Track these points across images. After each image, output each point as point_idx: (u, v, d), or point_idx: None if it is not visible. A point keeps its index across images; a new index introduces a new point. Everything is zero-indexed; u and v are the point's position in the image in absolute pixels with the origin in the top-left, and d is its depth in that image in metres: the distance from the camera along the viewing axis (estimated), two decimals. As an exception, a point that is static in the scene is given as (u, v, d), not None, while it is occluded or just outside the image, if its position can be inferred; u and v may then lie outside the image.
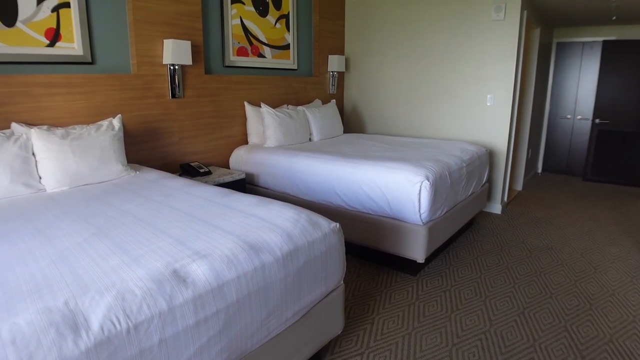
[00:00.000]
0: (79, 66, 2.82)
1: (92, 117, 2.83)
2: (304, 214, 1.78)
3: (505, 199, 4.40)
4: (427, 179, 2.64)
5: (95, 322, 1.07)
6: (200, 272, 1.31)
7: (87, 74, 2.79)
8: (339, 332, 1.99)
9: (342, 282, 1.93)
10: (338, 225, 1.84)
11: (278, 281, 1.50)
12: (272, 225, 1.64)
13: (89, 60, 2.85)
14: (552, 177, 6.18)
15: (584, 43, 5.71)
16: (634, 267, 3.10)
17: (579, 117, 5.95)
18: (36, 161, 2.37)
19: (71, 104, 2.73)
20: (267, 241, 1.53)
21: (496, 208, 4.30)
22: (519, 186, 5.21)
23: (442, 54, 4.29)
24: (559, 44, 5.88)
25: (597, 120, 5.54)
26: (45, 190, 2.35)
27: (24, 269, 1.31)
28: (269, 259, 1.48)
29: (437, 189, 2.71)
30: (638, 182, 5.47)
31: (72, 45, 2.78)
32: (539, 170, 6.41)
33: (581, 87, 5.86)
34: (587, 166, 5.74)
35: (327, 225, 1.78)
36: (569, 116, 6.02)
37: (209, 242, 1.48)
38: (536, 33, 4.73)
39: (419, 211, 2.64)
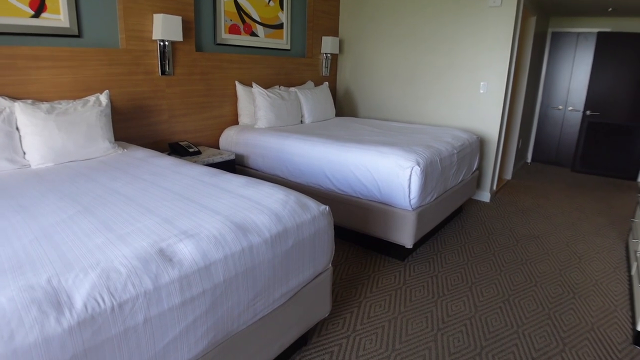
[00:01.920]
0: (65, 39, 2.73)
1: (78, 92, 2.76)
2: (293, 196, 1.76)
3: (495, 187, 4.43)
4: (418, 164, 2.63)
5: (78, 300, 1.05)
6: (187, 251, 1.29)
7: (74, 47, 2.71)
8: (326, 315, 2.00)
9: (330, 265, 1.93)
10: (327, 208, 1.82)
11: (266, 262, 1.49)
12: (261, 207, 1.62)
13: (76, 33, 2.76)
14: (542, 167, 6.23)
15: (578, 34, 5.69)
16: (617, 258, 3.15)
17: (570, 108, 5.98)
18: (20, 136, 2.31)
19: (57, 78, 2.66)
20: (255, 222, 1.52)
21: (485, 196, 4.33)
22: (508, 175, 5.24)
23: (437, 40, 4.25)
24: (554, 34, 5.86)
25: (588, 112, 5.56)
26: (30, 166, 2.30)
27: (6, 246, 1.28)
28: (256, 240, 1.46)
29: (428, 174, 2.71)
30: (626, 174, 5.54)
31: (58, 16, 2.68)
32: (529, 160, 6.45)
33: (574, 78, 5.87)
34: (576, 157, 5.79)
35: (316, 208, 1.76)
36: (560, 107, 6.04)
37: (197, 221, 1.46)
38: (532, 21, 4.71)
39: (409, 196, 2.64)
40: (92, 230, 1.40)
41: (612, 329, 2.27)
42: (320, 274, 1.86)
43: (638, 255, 2.53)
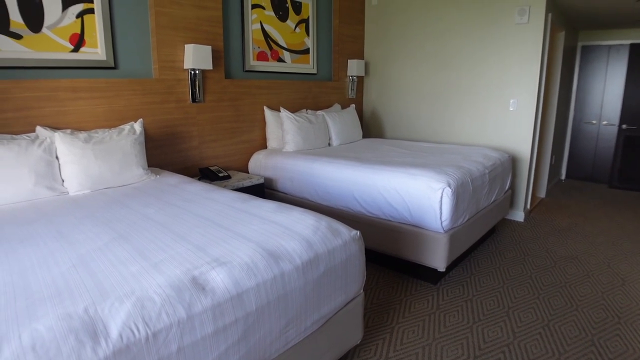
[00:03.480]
0: (102, 71, 2.86)
1: (113, 121, 2.86)
2: (324, 221, 1.75)
3: (528, 206, 4.29)
4: (449, 185, 2.58)
5: (114, 330, 1.07)
6: (219, 279, 1.29)
7: (110, 79, 2.83)
8: (358, 342, 1.95)
9: (362, 290, 1.89)
10: (359, 233, 1.80)
11: (298, 290, 1.48)
12: (292, 233, 1.62)
13: (112, 65, 2.89)
14: (577, 184, 6.02)
15: (610, 46, 5.55)
16: (665, 280, 2.97)
17: (604, 122, 5.78)
18: (59, 164, 2.40)
19: (94, 108, 2.77)
20: (286, 249, 1.51)
21: (519, 216, 4.20)
22: (542, 193, 5.08)
23: (463, 58, 4.22)
24: (583, 47, 5.73)
25: (624, 126, 5.37)
26: (68, 193, 2.38)
27: (45, 273, 1.32)
28: (288, 267, 1.46)
29: (459, 196, 2.65)
30: (668, 190, 5.29)
31: (96, 50, 2.82)
32: (563, 177, 6.25)
33: (607, 92, 5.69)
34: (614, 173, 5.57)
35: (347, 233, 1.75)
36: (594, 121, 5.85)
37: (229, 249, 1.47)
38: (560, 36, 4.62)
39: (440, 219, 2.59)
40: (126, 258, 1.42)
41: (664, 357, 2.13)
42: (352, 300, 1.82)
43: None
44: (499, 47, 3.97)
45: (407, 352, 2.15)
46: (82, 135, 2.49)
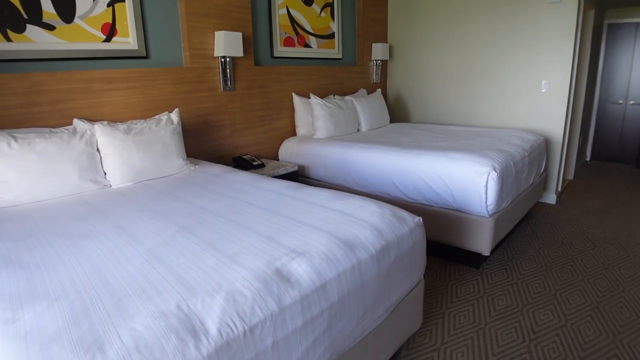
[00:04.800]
0: (134, 60, 2.81)
1: (147, 112, 2.83)
2: (387, 208, 1.72)
3: (559, 188, 4.24)
4: (494, 169, 2.54)
5: (212, 326, 1.04)
6: (301, 270, 1.27)
7: (142, 68, 2.78)
8: (418, 328, 1.94)
9: (422, 277, 1.87)
10: (421, 219, 1.77)
11: (373, 279, 1.45)
12: (360, 221, 1.59)
13: (144, 54, 2.84)
14: (603, 165, 5.94)
15: (637, 24, 5.41)
16: None
17: (631, 102, 5.67)
18: (101, 157, 2.38)
19: (128, 99, 2.73)
20: (359, 237, 1.48)
21: (551, 198, 4.15)
22: (570, 175, 5.02)
23: (492, 40, 4.13)
24: (610, 26, 5.60)
25: (652, 105, 5.27)
26: (111, 186, 2.36)
27: (120, 269, 1.30)
28: (364, 256, 1.43)
29: (504, 179, 2.61)
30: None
31: (128, 39, 2.76)
32: (588, 158, 6.17)
33: (634, 70, 5.57)
34: (642, 153, 5.49)
35: (411, 220, 1.72)
36: (620, 101, 5.74)
37: (301, 238, 1.44)
38: (590, 15, 4.51)
39: (486, 203, 2.55)
40: (199, 251, 1.40)
41: None
42: (415, 286, 1.80)
43: None
44: (530, 27, 3.88)
45: (462, 336, 2.13)
46: (122, 126, 2.46)
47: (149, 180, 2.46)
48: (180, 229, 1.62)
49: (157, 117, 2.68)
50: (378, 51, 4.53)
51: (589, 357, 1.98)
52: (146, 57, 2.85)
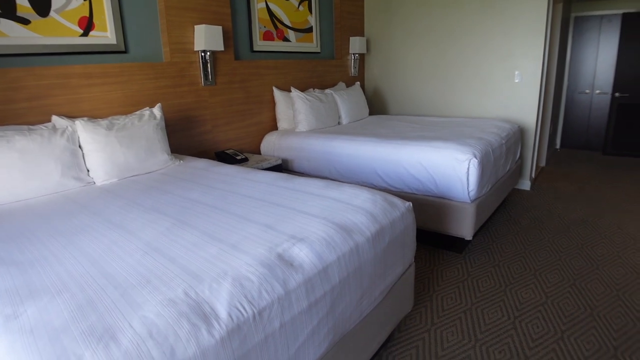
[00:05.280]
0: (113, 55, 2.76)
1: (128, 107, 2.78)
2: (379, 195, 1.76)
3: (533, 175, 4.40)
4: (475, 156, 2.63)
5: (222, 311, 1.06)
6: (303, 255, 1.30)
7: (122, 63, 2.74)
8: (410, 310, 2.00)
9: (413, 260, 1.93)
10: (411, 204, 1.83)
11: (369, 261, 1.50)
12: (354, 207, 1.63)
13: (123, 49, 2.79)
14: (572, 152, 6.19)
15: (602, 16, 5.65)
16: (673, 237, 3.12)
17: (597, 91, 5.93)
18: (83, 154, 2.33)
19: (108, 95, 2.69)
20: (355, 222, 1.52)
21: (526, 184, 4.31)
22: (542, 162, 5.22)
23: (466, 31, 4.24)
24: (576, 18, 5.82)
25: (616, 94, 5.52)
26: (95, 183, 2.33)
27: (120, 262, 1.30)
28: (361, 239, 1.47)
29: (484, 166, 2.71)
30: (660, 153, 5.49)
31: (106, 34, 2.71)
32: (558, 146, 6.41)
33: (600, 61, 5.82)
34: (608, 140, 5.74)
35: (402, 205, 1.77)
36: (587, 91, 5.99)
37: (299, 225, 1.47)
38: (559, 8, 4.68)
39: (468, 189, 2.64)
40: (198, 242, 1.41)
41: (688, 307, 2.26)
42: (407, 269, 1.86)
43: None
44: (503, 19, 4.00)
45: (450, 317, 2.21)
46: (104, 122, 2.42)
47: (133, 176, 2.43)
48: (175, 221, 1.62)
49: (139, 112, 2.65)
50: (355, 45, 4.58)
51: (569, 329, 2.09)
52: (125, 52, 2.81)
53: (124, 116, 2.55)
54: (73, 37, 2.58)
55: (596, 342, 1.99)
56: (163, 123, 2.65)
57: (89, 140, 2.33)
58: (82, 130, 2.33)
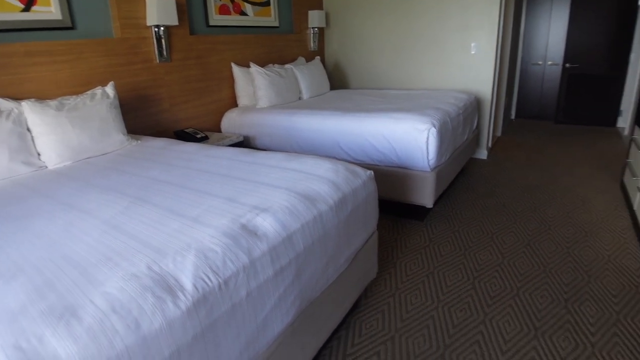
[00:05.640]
0: (59, 32, 2.61)
1: (78, 87, 2.66)
2: (340, 164, 1.79)
3: (490, 144, 4.56)
4: (434, 125, 2.69)
5: (187, 282, 1.06)
6: (267, 224, 1.31)
7: (69, 40, 2.60)
8: (374, 276, 2.06)
9: (376, 228, 1.98)
10: (372, 172, 1.86)
11: (333, 229, 1.52)
12: (316, 177, 1.65)
13: (69, 24, 2.64)
14: (526, 122, 6.43)
15: (554, -13, 5.83)
16: (615, 197, 3.34)
17: (549, 62, 6.15)
18: (32, 137, 2.22)
19: (55, 74, 2.55)
20: (318, 191, 1.54)
21: (482, 154, 4.46)
22: (499, 132, 5.40)
23: (424, 4, 4.26)
24: (529, -10, 5.97)
25: (567, 65, 5.75)
26: (47, 167, 2.23)
27: (77, 242, 1.26)
28: (324, 207, 1.49)
29: (442, 135, 2.78)
30: (607, 121, 5.79)
31: (49, 8, 2.56)
32: (513, 117, 6.64)
33: (552, 34, 6.02)
34: (559, 109, 6.00)
35: (363, 173, 1.80)
36: (540, 62, 6.20)
37: (262, 197, 1.47)
38: (511, -22, 4.77)
39: (427, 157, 2.71)
40: (159, 217, 1.39)
41: (627, 258, 2.43)
42: (370, 237, 1.91)
43: (644, 190, 2.69)
44: (458, -9, 4.05)
45: (414, 281, 2.30)
46: (53, 102, 2.31)
47: (89, 158, 2.34)
48: (134, 199, 1.58)
49: (90, 91, 2.53)
50: (314, 19, 4.52)
51: (524, 286, 2.21)
52: (72, 28, 2.66)
53: (74, 96, 2.43)
54: (13, 13, 2.41)
55: (549, 296, 2.13)
56: (117, 102, 2.55)
57: (38, 122, 2.22)
58: (30, 111, 2.22)
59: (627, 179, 3.25)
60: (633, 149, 3.16)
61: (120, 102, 2.89)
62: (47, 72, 2.51)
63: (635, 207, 2.85)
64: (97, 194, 1.70)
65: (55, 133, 2.24)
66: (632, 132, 3.38)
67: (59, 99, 2.36)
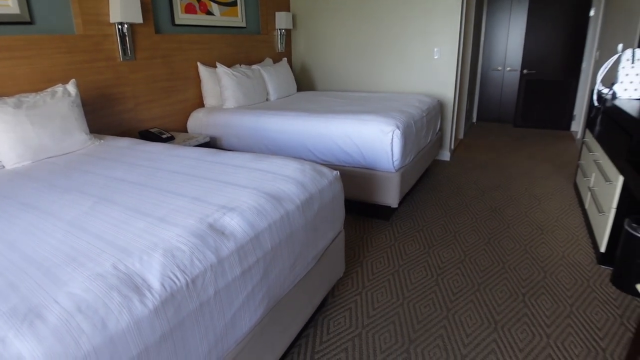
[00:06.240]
0: (17, 27, 2.52)
1: (38, 84, 2.57)
2: (307, 165, 1.81)
3: (453, 146, 4.71)
4: (398, 127, 2.76)
5: (154, 281, 1.06)
6: (234, 223, 1.32)
7: (28, 35, 2.51)
8: (342, 275, 2.10)
9: (342, 227, 2.02)
10: (338, 173, 1.90)
11: (300, 228, 1.55)
12: (283, 177, 1.67)
13: (27, 19, 2.55)
14: (486, 125, 6.67)
15: (512, -2, 6.09)
16: (569, 196, 3.52)
17: (508, 68, 6.41)
18: (-12, 135, 2.14)
19: (13, 70, 2.46)
20: (285, 191, 1.56)
21: (446, 155, 4.60)
22: (461, 135, 5.58)
23: (389, 9, 4.36)
24: (489, -1, 6.21)
25: (525, 71, 6.01)
26: (4, 167, 2.15)
27: (39, 243, 1.23)
28: (291, 207, 1.52)
29: (406, 137, 2.86)
30: (562, 125, 6.09)
31: (6, 2, 2.46)
32: (474, 120, 6.87)
33: (510, 40, 6.28)
34: (517, 113, 6.27)
35: (330, 174, 1.84)
36: (499, 68, 6.46)
37: (229, 196, 1.48)
38: (472, -13, 4.95)
39: (392, 159, 2.78)
40: (124, 217, 1.37)
41: (580, 254, 2.58)
42: (337, 236, 1.95)
43: (592, 188, 2.86)
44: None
45: (380, 280, 2.35)
46: (11, 100, 2.22)
47: (49, 158, 2.27)
48: (98, 199, 1.56)
49: (50, 89, 2.46)
50: (282, 20, 4.54)
51: (485, 282, 2.31)
52: (31, 23, 2.57)
53: (34, 94, 2.35)
54: (-34, 6, 2.32)
55: (507, 291, 2.23)
56: (79, 100, 2.49)
57: (-6, 120, 2.14)
58: (-15, 109, 2.13)
59: (579, 179, 3.45)
60: (584, 151, 3.35)
61: (83, 101, 2.82)
62: (3, 68, 2.42)
63: (586, 205, 3.02)
64: (59, 194, 1.66)
65: (14, 132, 2.16)
66: (583, 135, 3.58)
67: (17, 96, 2.28)
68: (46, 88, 2.59)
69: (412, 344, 1.87)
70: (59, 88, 2.46)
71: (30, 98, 2.30)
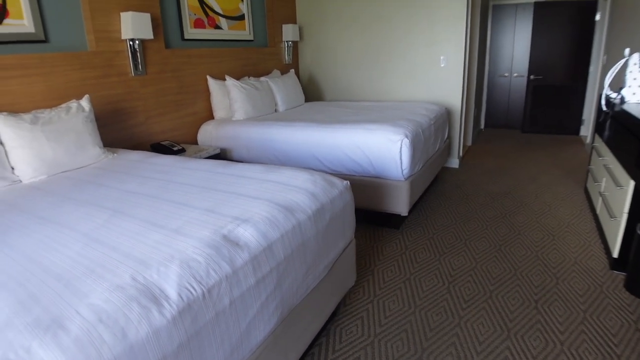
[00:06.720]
0: (32, 45, 2.59)
1: (53, 101, 2.64)
2: (318, 175, 1.84)
3: (461, 153, 4.71)
4: (406, 136, 2.78)
5: (172, 292, 1.09)
6: (248, 234, 1.34)
7: (42, 53, 2.58)
8: (353, 284, 2.11)
9: (353, 236, 2.04)
10: (348, 182, 1.92)
11: (312, 238, 1.57)
12: (294, 187, 1.69)
13: (42, 37, 2.63)
14: (495, 131, 6.67)
15: (517, 5, 6.12)
16: (580, 202, 3.50)
17: (515, 74, 6.43)
18: (6, 151, 2.19)
19: (28, 87, 2.53)
20: (296, 202, 1.59)
21: (454, 162, 4.60)
22: (469, 142, 5.58)
23: (394, 19, 4.41)
24: (495, 7, 6.24)
25: (532, 77, 6.02)
26: (21, 182, 2.20)
27: (59, 255, 1.27)
28: (302, 217, 1.54)
29: (415, 145, 2.87)
30: (571, 130, 6.07)
31: (22, 22, 2.54)
32: (482, 127, 6.87)
33: (516, 47, 6.31)
34: (525, 119, 6.26)
35: (340, 184, 1.86)
36: (506, 74, 6.47)
37: (242, 208, 1.51)
38: (478, -4, 4.99)
39: (401, 167, 2.80)
40: (140, 230, 1.40)
41: (592, 260, 2.57)
42: (348, 245, 1.96)
43: (603, 193, 2.85)
44: (428, 8, 4.21)
45: (391, 288, 2.36)
46: (27, 116, 2.28)
47: (64, 172, 2.32)
48: (113, 212, 1.59)
49: (65, 105, 2.52)
50: (288, 32, 4.60)
51: (497, 289, 2.31)
52: (45, 41, 2.65)
53: (49, 110, 2.41)
54: (-16, 26, 2.39)
55: (520, 298, 2.22)
56: (92, 115, 2.55)
57: (12, 136, 2.19)
58: (3, 125, 2.19)
59: (590, 184, 3.43)
60: (594, 156, 3.34)
61: (96, 116, 2.88)
62: (19, 86, 2.48)
63: (598, 210, 3.01)
64: (75, 207, 1.70)
65: (31, 147, 2.22)
66: (593, 140, 3.57)
67: (33, 112, 2.34)
68: (61, 104, 2.65)
69: (424, 352, 1.87)
70: (73, 104, 2.52)
71: (46, 114, 2.36)
